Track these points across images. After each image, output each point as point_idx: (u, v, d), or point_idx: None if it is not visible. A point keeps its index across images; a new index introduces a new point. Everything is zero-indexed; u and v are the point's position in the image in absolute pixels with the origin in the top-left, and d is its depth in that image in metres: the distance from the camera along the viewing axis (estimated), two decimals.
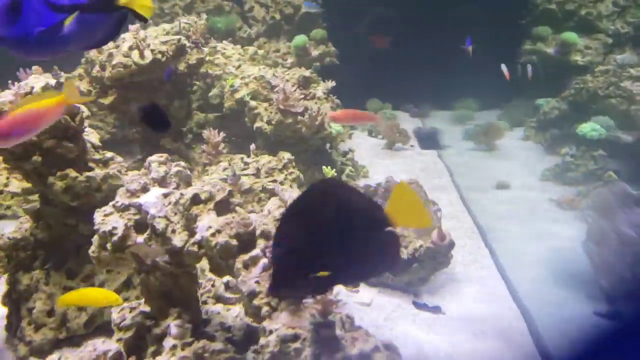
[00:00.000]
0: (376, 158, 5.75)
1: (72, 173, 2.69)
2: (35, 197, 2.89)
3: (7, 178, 3.38)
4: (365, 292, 3.23)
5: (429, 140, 6.29)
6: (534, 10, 7.11)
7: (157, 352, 2.20)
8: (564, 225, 4.02)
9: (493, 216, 4.22)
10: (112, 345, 2.18)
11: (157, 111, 1.95)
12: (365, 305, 3.13)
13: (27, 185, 3.10)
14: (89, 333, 2.73)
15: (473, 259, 3.55)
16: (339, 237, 1.25)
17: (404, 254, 2.62)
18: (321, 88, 4.62)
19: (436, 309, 3.05)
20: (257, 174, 3.57)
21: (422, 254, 2.71)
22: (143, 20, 1.53)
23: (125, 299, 2.77)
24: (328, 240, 1.25)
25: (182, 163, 2.40)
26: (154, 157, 2.34)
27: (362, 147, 6.02)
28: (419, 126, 6.89)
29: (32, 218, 2.80)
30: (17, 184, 3.39)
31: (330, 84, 4.69)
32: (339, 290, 3.15)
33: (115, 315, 2.35)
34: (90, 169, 2.82)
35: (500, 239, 3.82)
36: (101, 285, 2.81)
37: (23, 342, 2.58)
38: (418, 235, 2.86)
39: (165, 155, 2.38)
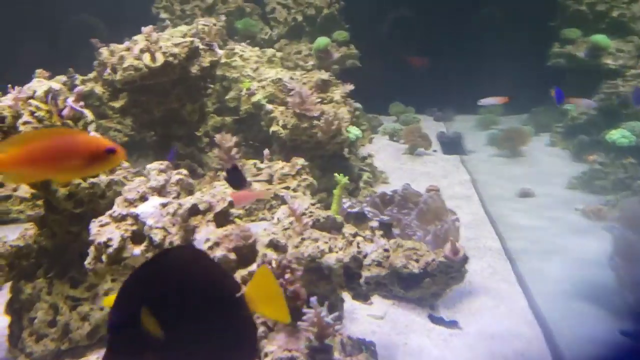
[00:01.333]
0: (397, 163, 5.63)
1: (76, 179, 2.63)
2: (42, 203, 2.83)
3: None
4: (378, 305, 3.11)
5: (451, 145, 6.13)
6: (563, 12, 6.88)
7: None
8: (589, 237, 3.84)
9: (515, 226, 4.06)
10: None
11: (237, 172, 2.61)
12: (378, 319, 3.02)
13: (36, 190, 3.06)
14: (93, 344, 2.66)
15: (492, 271, 3.40)
16: (187, 316, 1.12)
17: (415, 268, 2.50)
18: (339, 91, 4.51)
19: (453, 324, 2.92)
20: (269, 180, 3.49)
21: (435, 269, 2.58)
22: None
23: None
24: (173, 316, 1.11)
25: (184, 171, 2.31)
26: (154, 165, 2.26)
27: (383, 151, 5.90)
28: (442, 130, 6.73)
29: (36, 225, 2.75)
30: (26, 189, 3.36)
31: (349, 87, 4.59)
32: (351, 304, 3.05)
33: None
34: (95, 175, 2.75)
35: (521, 250, 3.66)
36: (106, 294, 2.74)
37: (24, 353, 2.52)
38: (431, 248, 2.73)
39: (166, 162, 2.29)
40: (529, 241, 3.81)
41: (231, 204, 2.11)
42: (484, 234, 3.93)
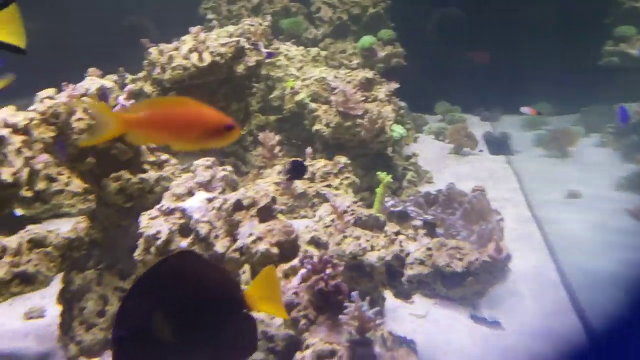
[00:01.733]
0: (442, 163, 5.57)
1: (126, 175, 2.72)
2: (93, 197, 2.94)
3: (69, 177, 3.46)
4: (420, 304, 3.10)
5: (498, 145, 6.04)
6: (617, 9, 6.69)
7: None
8: (638, 238, 3.73)
9: (562, 227, 3.98)
10: None
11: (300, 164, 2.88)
12: (420, 317, 3.01)
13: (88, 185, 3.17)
14: None
15: (537, 272, 3.34)
16: (189, 319, 1.13)
17: (458, 267, 2.48)
18: (384, 90, 4.50)
19: (495, 324, 2.89)
20: (312, 178, 3.51)
21: (478, 268, 2.57)
22: (21, 51, 1.37)
23: None
24: (178, 322, 1.12)
25: (229, 167, 2.36)
26: (200, 161, 2.32)
27: (428, 151, 5.85)
28: (488, 130, 6.64)
29: (87, 218, 2.85)
30: (77, 184, 3.47)
31: (394, 85, 4.57)
32: (393, 302, 3.05)
33: None
34: (144, 171, 2.84)
35: (568, 251, 3.58)
36: None
37: (74, 341, 2.62)
38: (475, 248, 2.71)
39: (212, 159, 2.35)
40: (575, 242, 3.73)
41: (274, 200, 2.15)
42: (529, 234, 3.86)
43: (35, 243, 3.03)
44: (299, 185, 3.37)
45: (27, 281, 2.72)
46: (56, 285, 2.86)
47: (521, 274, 3.27)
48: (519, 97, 7.07)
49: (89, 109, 1.39)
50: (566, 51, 6.50)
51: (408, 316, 2.99)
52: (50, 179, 3.47)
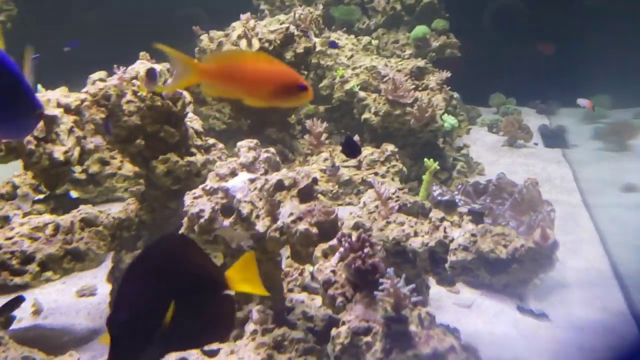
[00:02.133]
0: (494, 155, 5.45)
1: (174, 157, 2.78)
2: (143, 180, 3.01)
3: (121, 161, 3.57)
4: (466, 294, 3.05)
5: (554, 138, 5.86)
6: None
7: (239, 336, 2.20)
8: None
9: (616, 220, 3.82)
10: None
11: (352, 142, 2.79)
12: (465, 307, 2.96)
13: (138, 169, 3.26)
14: None
15: (589, 265, 3.23)
16: (180, 301, 1.13)
17: (503, 253, 2.42)
18: (435, 79, 4.44)
19: (542, 316, 2.81)
20: (358, 166, 3.50)
21: (523, 254, 2.49)
22: None
23: None
24: (166, 304, 1.12)
25: (272, 149, 2.37)
26: (244, 142, 2.34)
27: (480, 143, 5.74)
28: (544, 123, 6.44)
29: (137, 200, 2.93)
30: (129, 168, 3.57)
31: (445, 74, 4.50)
32: (438, 290, 3.01)
33: None
34: (192, 154, 2.89)
35: (621, 245, 3.44)
36: None
37: None
38: (520, 233, 2.64)
39: (255, 140, 2.37)
40: (630, 237, 3.58)
41: (315, 181, 2.15)
42: (581, 227, 3.74)
43: (87, 222, 3.13)
44: (345, 172, 3.36)
45: (78, 258, 2.81)
46: (106, 264, 2.96)
47: (571, 266, 3.17)
48: (579, 90, 6.83)
49: (171, 57, 1.40)
50: (628, 43, 6.23)
51: (452, 306, 2.95)
52: (103, 163, 3.60)
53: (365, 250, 1.76)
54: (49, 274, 2.93)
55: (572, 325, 2.72)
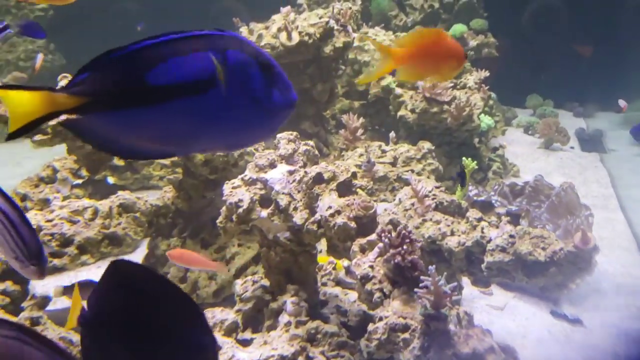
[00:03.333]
0: (530, 157, 5.38)
1: None
2: (181, 169, 3.04)
3: None
4: (499, 296, 3.02)
5: (591, 142, 5.75)
6: None
7: (272, 327, 2.20)
8: None
9: None
10: (229, 315, 2.23)
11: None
12: (497, 309, 2.93)
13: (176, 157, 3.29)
14: (218, 302, 2.82)
15: (625, 271, 3.17)
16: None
17: (541, 255, 2.38)
18: (473, 78, 4.39)
19: (576, 322, 2.76)
20: (393, 163, 3.48)
21: (562, 258, 2.45)
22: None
23: (254, 273, 2.83)
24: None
25: (311, 142, 2.37)
26: (284, 134, 2.34)
27: (516, 144, 5.67)
28: (581, 127, 6.33)
29: (174, 188, 2.95)
30: None
31: (483, 73, 4.45)
32: (471, 291, 2.98)
33: (238, 287, 2.39)
34: None
35: None
36: (232, 257, 2.89)
37: None
38: (560, 237, 2.59)
39: (295, 133, 2.37)
40: None
41: (354, 175, 2.14)
42: (619, 233, 3.67)
43: (125, 208, 3.19)
44: (380, 168, 3.35)
45: (116, 243, 2.87)
46: (142, 250, 3.00)
47: (608, 272, 3.12)
48: (618, 93, 6.69)
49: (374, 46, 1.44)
50: None
51: (485, 307, 2.92)
52: None
53: (405, 246, 1.75)
54: (86, 257, 2.99)
55: (607, 332, 2.68)
